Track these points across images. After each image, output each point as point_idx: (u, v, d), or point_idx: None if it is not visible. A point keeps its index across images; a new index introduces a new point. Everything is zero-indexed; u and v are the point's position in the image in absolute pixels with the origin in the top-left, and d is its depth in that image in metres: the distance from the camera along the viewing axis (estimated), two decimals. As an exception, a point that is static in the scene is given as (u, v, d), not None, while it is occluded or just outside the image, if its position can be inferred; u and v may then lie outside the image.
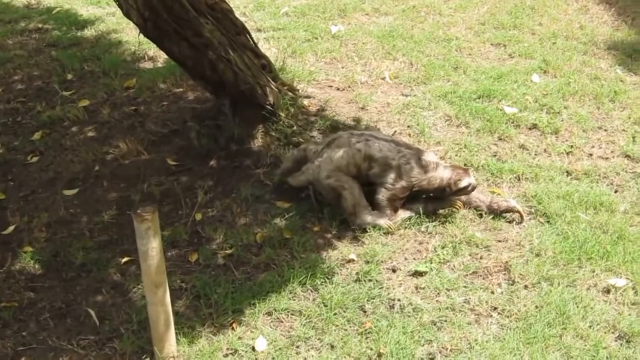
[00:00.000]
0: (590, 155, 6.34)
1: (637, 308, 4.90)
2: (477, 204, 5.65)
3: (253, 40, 6.77)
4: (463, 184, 5.52)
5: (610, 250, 5.30)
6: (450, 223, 5.53)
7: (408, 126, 6.63)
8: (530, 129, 6.70)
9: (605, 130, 6.77)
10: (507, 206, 5.61)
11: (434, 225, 5.52)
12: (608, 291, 5.01)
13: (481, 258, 5.26)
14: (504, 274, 5.14)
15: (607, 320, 4.78)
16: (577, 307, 4.86)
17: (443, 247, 5.33)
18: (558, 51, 8.17)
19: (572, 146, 6.44)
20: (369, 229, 5.48)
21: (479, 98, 7.08)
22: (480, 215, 5.59)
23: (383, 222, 5.48)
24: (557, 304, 4.85)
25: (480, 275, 5.14)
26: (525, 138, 6.52)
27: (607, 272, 5.16)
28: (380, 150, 5.49)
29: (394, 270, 5.20)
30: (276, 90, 6.51)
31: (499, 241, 5.40)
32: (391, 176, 5.50)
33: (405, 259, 5.29)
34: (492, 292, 5.00)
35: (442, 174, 5.53)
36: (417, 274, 5.15)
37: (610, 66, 7.93)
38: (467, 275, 5.14)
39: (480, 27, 8.75)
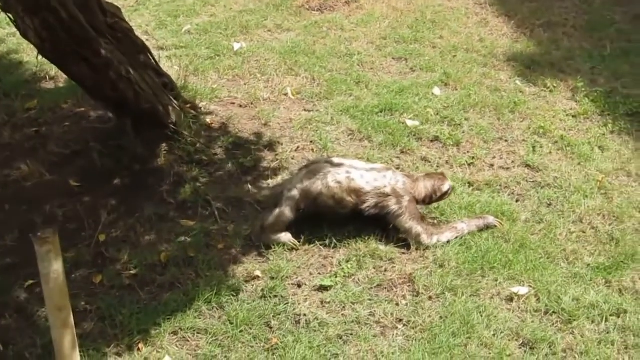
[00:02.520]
0: (492, 165, 6.43)
1: (540, 315, 4.98)
2: None
3: (154, 59, 6.72)
4: (445, 188, 5.74)
5: (512, 259, 5.37)
6: (354, 237, 5.55)
7: (311, 141, 6.64)
8: (432, 141, 6.77)
9: (506, 140, 6.87)
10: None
11: (339, 239, 5.52)
12: (511, 299, 5.08)
13: (385, 271, 5.29)
14: (409, 286, 5.18)
15: (510, 328, 4.85)
16: (481, 316, 4.91)
17: (348, 261, 5.35)
18: (459, 64, 8.26)
19: (473, 157, 6.52)
20: (274, 245, 5.47)
21: (381, 112, 7.13)
22: (384, 229, 5.57)
23: (287, 239, 5.52)
24: (461, 314, 4.90)
25: (385, 288, 5.17)
26: (428, 150, 6.59)
27: (510, 281, 5.23)
28: (367, 182, 5.52)
29: (299, 286, 5.20)
30: (178, 108, 6.48)
31: (403, 253, 5.44)
32: (393, 201, 5.52)
33: (311, 274, 5.29)
34: (397, 304, 5.03)
35: (425, 183, 5.69)
36: (323, 288, 5.16)
37: (509, 78, 8.06)
38: (372, 288, 5.17)
39: (381, 41, 8.80)
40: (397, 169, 6.20)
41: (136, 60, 6.30)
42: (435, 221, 5.78)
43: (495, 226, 5.70)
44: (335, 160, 5.76)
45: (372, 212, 5.54)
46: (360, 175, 5.52)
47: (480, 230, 5.67)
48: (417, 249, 5.48)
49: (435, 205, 5.89)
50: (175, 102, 6.49)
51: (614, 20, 9.60)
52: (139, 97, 6.13)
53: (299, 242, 5.51)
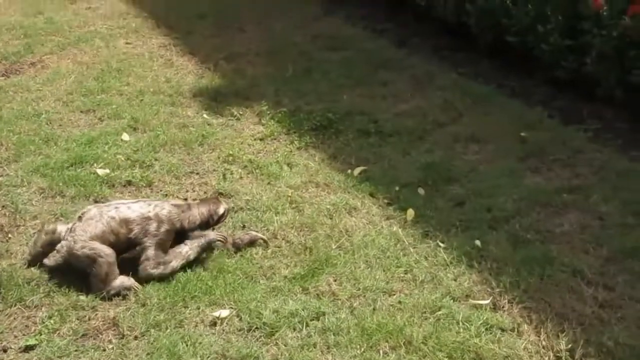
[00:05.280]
0: (186, 200, 6.54)
1: (243, 333, 5.12)
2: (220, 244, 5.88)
3: None
4: (221, 210, 5.93)
5: (212, 285, 5.51)
6: (55, 292, 5.51)
7: (2, 206, 6.54)
8: (124, 186, 6.85)
9: (197, 173, 7.07)
10: (249, 238, 5.94)
11: (40, 297, 5.47)
12: (215, 324, 5.20)
13: (89, 319, 5.29)
14: (114, 330, 5.20)
15: (216, 351, 4.95)
16: (187, 345, 4.99)
17: (50, 317, 5.30)
18: (146, 107, 8.41)
19: (166, 195, 6.63)
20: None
21: (71, 166, 7.12)
22: (84, 279, 5.58)
23: (131, 283, 5.50)
24: (167, 347, 4.96)
25: (91, 336, 5.16)
26: (121, 195, 6.65)
27: (212, 306, 5.35)
28: (133, 211, 5.60)
29: (4, 350, 5.10)
30: None
31: (103, 299, 5.42)
32: (153, 225, 5.60)
33: (15, 336, 5.21)
34: (104, 350, 5.04)
35: (199, 210, 5.83)
36: (29, 348, 5.08)
37: (197, 113, 8.29)
38: (77, 339, 5.14)
39: (68, 96, 8.81)
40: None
41: None
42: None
43: (220, 241, 5.87)
44: (102, 204, 5.89)
45: (140, 237, 5.65)
46: (127, 207, 5.67)
47: (205, 250, 5.83)
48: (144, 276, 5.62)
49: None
50: None
51: (295, 43, 10.05)
52: None
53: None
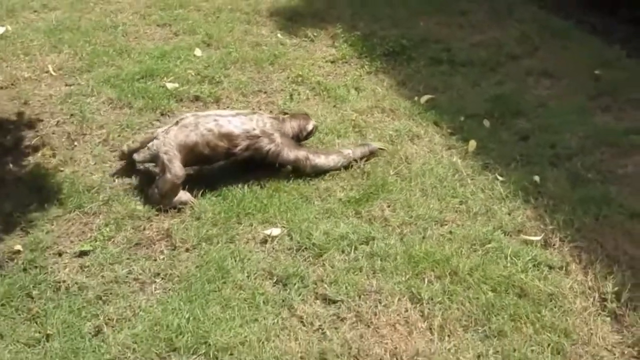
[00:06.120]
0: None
1: (292, 252, 5.19)
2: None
3: None
4: (310, 126, 6.12)
5: (267, 203, 5.58)
6: (113, 201, 5.64)
7: (71, 114, 6.67)
8: (192, 101, 6.93)
9: (265, 92, 7.11)
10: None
11: (98, 205, 5.60)
12: (265, 241, 5.28)
13: (144, 229, 5.41)
14: (166, 241, 5.31)
15: (263, 268, 5.04)
16: (235, 260, 5.09)
17: (107, 225, 5.44)
18: (222, 24, 8.46)
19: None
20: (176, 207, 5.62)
21: (142, 78, 7.22)
22: (142, 190, 5.69)
23: (187, 198, 5.63)
24: (216, 261, 5.06)
25: (144, 246, 5.29)
26: (188, 110, 6.71)
27: (265, 224, 5.43)
28: (235, 126, 5.69)
29: (60, 254, 5.25)
30: None
31: (159, 211, 5.52)
32: (265, 141, 5.74)
33: (71, 241, 5.36)
34: (155, 260, 5.16)
35: (291, 123, 6.00)
36: (83, 254, 5.23)
37: (271, 32, 8.31)
38: (130, 247, 5.28)
39: (146, 10, 8.90)
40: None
41: None
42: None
43: (382, 149, 6.03)
44: (201, 113, 5.89)
45: (245, 155, 5.76)
46: (227, 121, 5.71)
47: (365, 157, 5.99)
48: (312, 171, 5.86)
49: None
50: None
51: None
52: None
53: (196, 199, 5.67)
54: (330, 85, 7.14)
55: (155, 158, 5.71)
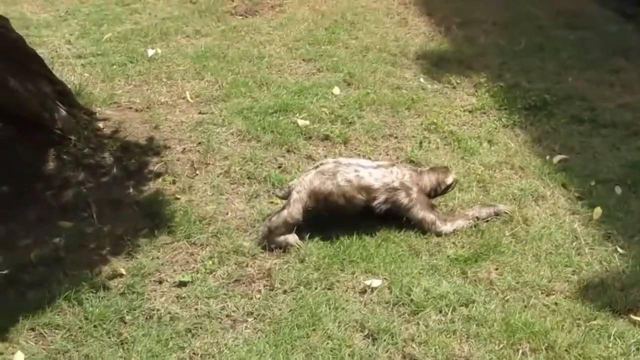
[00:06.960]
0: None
1: (389, 306, 5.06)
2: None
3: (47, 68, 6.80)
4: (449, 180, 5.92)
5: (373, 253, 5.48)
6: (221, 234, 5.66)
7: (198, 143, 6.75)
8: (321, 140, 6.88)
9: (396, 137, 6.99)
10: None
11: (207, 237, 5.63)
12: (364, 291, 5.18)
13: (246, 266, 5.40)
14: (266, 280, 5.28)
15: (356, 320, 4.93)
16: (330, 308, 5.00)
17: (210, 258, 5.46)
18: (366, 63, 8.40)
19: (358, 154, 6.58)
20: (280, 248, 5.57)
21: (275, 112, 7.24)
22: (252, 225, 5.66)
23: (294, 240, 5.58)
24: (310, 307, 5.00)
25: (243, 283, 5.28)
26: (314, 149, 6.70)
27: (367, 274, 5.33)
28: (376, 179, 5.64)
29: (160, 282, 5.32)
30: (66, 114, 6.56)
31: (264, 249, 5.50)
32: (402, 194, 5.67)
33: (174, 270, 5.41)
34: (251, 298, 5.14)
35: (429, 177, 5.86)
36: (182, 284, 5.27)
37: (414, 75, 8.19)
38: (229, 283, 5.28)
39: (295, 43, 8.93)
40: (278, 168, 6.35)
41: (25, 70, 6.39)
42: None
43: (507, 213, 5.86)
44: (343, 160, 5.85)
45: (383, 207, 5.67)
46: (368, 173, 5.65)
47: (490, 218, 5.83)
48: (435, 235, 5.70)
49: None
50: (63, 108, 6.59)
51: (536, 16, 9.67)
52: (22, 106, 6.24)
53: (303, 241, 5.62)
54: (462, 136, 6.96)
55: (288, 195, 5.68)
